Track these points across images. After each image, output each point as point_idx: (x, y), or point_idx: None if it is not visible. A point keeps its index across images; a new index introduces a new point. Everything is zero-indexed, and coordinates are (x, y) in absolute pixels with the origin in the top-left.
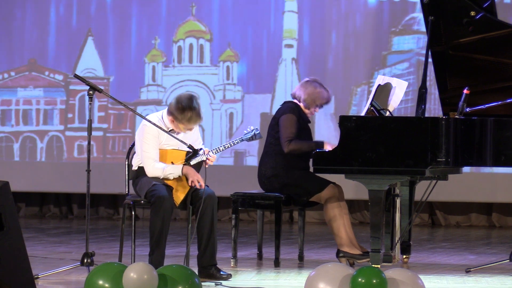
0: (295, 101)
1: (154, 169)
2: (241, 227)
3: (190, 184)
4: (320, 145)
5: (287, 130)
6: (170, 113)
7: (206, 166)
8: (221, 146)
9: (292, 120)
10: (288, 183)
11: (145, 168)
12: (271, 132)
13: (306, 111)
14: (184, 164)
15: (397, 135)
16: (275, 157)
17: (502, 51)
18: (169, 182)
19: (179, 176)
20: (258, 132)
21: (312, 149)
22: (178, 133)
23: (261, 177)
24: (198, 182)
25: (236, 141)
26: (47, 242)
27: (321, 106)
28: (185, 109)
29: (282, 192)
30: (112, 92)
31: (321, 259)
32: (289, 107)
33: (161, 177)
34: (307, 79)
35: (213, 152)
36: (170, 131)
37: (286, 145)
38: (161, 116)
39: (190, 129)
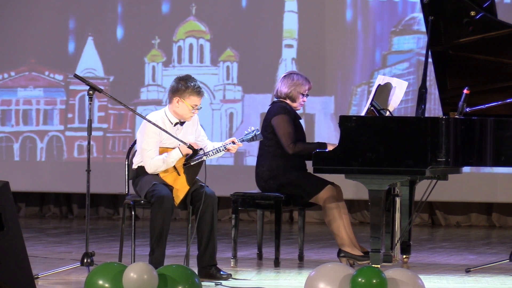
0: (281, 99)
1: (154, 161)
2: (241, 227)
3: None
4: (323, 147)
5: (285, 131)
6: (175, 91)
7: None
8: (221, 147)
9: (286, 120)
10: (286, 184)
11: (144, 164)
12: (264, 133)
13: (294, 105)
14: (184, 165)
15: (397, 135)
16: (271, 158)
17: (502, 51)
18: (169, 182)
19: (179, 174)
20: (259, 132)
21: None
22: (182, 123)
23: (259, 179)
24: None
25: (237, 141)
26: (47, 242)
27: (306, 94)
28: (188, 80)
29: (280, 193)
30: (112, 92)
31: (321, 259)
32: (279, 107)
33: (162, 168)
34: (283, 74)
35: (213, 153)
36: (175, 124)
37: (291, 147)
38: (163, 113)
39: (197, 109)
